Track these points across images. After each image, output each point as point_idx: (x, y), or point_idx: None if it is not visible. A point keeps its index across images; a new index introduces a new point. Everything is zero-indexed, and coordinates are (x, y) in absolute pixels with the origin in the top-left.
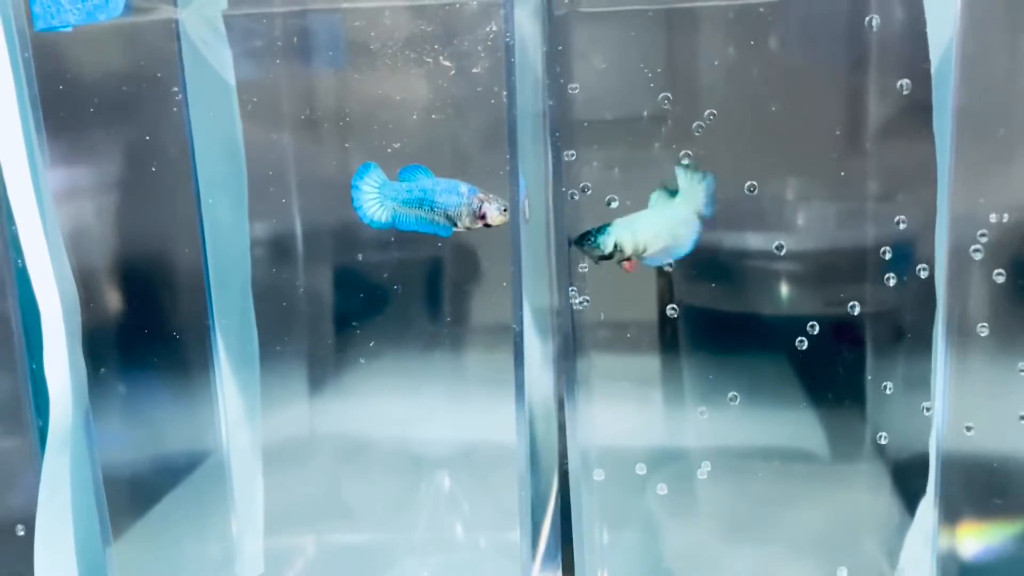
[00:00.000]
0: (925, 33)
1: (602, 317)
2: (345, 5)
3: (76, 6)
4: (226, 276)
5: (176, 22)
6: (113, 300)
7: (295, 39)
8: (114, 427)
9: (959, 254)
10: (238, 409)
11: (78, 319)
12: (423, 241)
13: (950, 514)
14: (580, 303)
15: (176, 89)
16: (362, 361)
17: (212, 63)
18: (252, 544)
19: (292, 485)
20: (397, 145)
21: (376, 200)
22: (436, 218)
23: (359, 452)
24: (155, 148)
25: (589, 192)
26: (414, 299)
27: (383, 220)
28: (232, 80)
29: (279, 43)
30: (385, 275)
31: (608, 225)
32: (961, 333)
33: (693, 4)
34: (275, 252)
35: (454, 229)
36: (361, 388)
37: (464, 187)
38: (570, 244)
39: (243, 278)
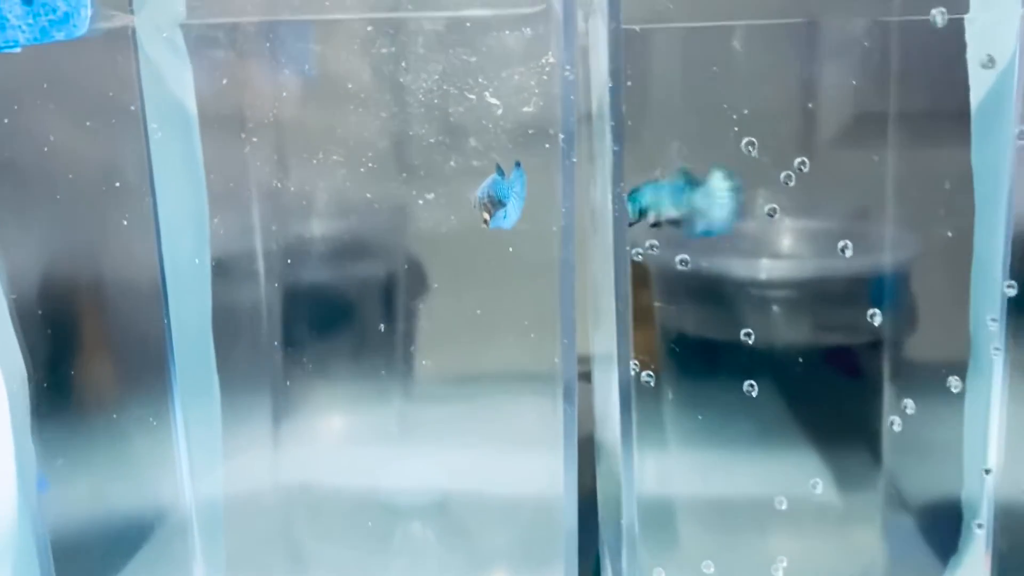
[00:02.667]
0: None
1: (670, 396)
2: (359, 15)
3: (25, 22)
4: (187, 322)
5: (132, 31)
6: (63, 348)
7: (297, 64)
8: (66, 493)
9: None
10: (200, 462)
11: (26, 398)
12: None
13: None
14: (645, 377)
15: (134, 108)
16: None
17: (170, 80)
18: None
19: (255, 541)
20: (430, 196)
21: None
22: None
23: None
24: (111, 175)
25: (656, 251)
26: (398, 338)
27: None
28: (192, 99)
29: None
30: (361, 313)
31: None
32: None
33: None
34: (238, 291)
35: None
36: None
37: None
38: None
39: (203, 322)
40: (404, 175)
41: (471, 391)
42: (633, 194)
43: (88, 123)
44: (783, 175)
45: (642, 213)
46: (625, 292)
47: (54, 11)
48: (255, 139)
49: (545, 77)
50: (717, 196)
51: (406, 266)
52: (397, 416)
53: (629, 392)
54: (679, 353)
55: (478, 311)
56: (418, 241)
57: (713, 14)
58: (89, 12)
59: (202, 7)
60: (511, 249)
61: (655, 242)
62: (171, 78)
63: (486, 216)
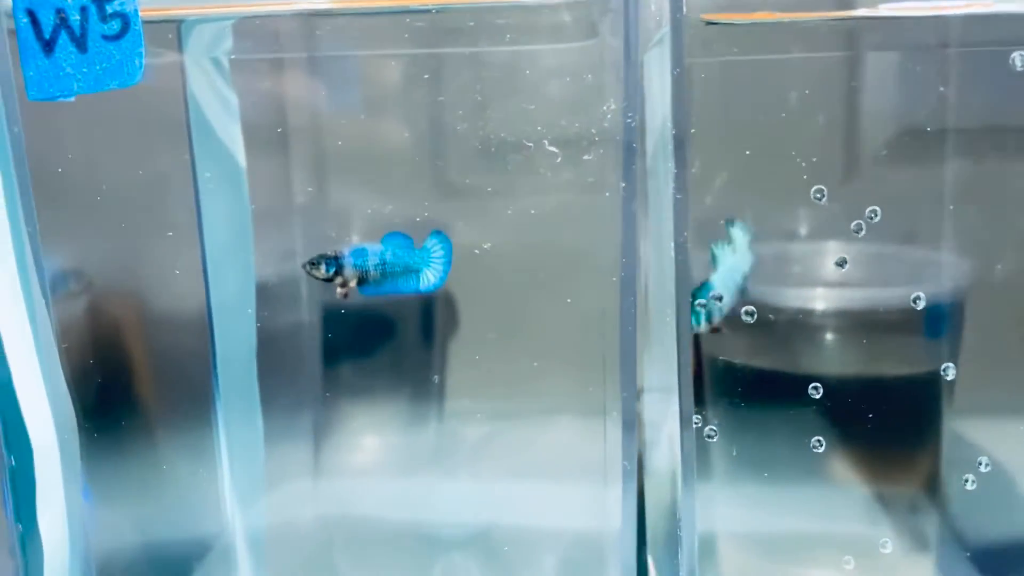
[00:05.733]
0: None
1: (734, 453)
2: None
3: (81, 71)
4: (231, 353)
5: (182, 68)
6: (112, 392)
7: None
8: (113, 528)
9: None
10: (243, 493)
11: (76, 447)
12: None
13: None
14: (709, 432)
15: (182, 144)
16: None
17: (218, 115)
18: None
19: (296, 573)
20: (487, 246)
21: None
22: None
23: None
24: (160, 212)
25: (722, 302)
26: (441, 367)
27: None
28: (239, 133)
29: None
30: (404, 341)
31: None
32: None
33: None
34: (279, 319)
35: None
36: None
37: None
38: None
39: (248, 353)
40: (459, 221)
41: (515, 421)
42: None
43: (137, 160)
44: (853, 224)
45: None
46: (687, 347)
47: (109, 60)
48: (299, 165)
49: (606, 124)
50: (742, 249)
51: (445, 295)
52: (439, 445)
53: (692, 449)
54: (742, 407)
55: (525, 341)
56: (468, 279)
57: (779, 47)
58: (143, 60)
59: (248, 42)
60: (569, 300)
61: (720, 294)
62: (219, 113)
63: (342, 283)
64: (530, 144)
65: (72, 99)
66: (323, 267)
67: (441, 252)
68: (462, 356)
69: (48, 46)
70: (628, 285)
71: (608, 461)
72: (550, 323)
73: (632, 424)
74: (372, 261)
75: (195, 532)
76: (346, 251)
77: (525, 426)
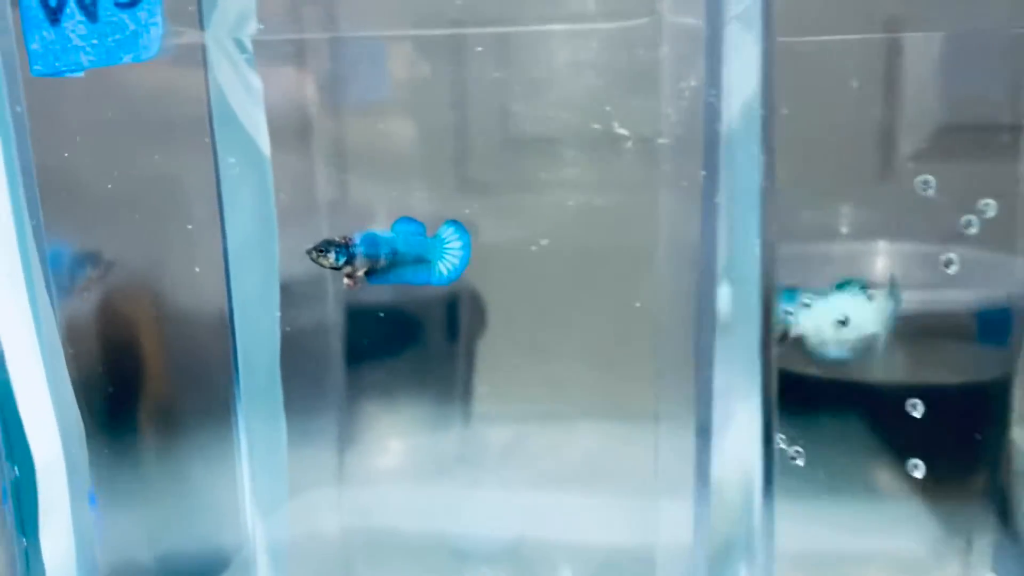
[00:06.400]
0: None
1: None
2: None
3: (90, 42)
4: (254, 356)
5: (203, 49)
6: (125, 395)
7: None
8: (128, 539)
9: None
10: (264, 500)
11: (85, 467)
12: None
13: None
14: (793, 453)
15: (203, 130)
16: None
17: (241, 98)
18: None
19: None
20: (545, 242)
21: None
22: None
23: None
24: (179, 201)
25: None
26: (470, 371)
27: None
28: (263, 118)
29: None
30: (434, 344)
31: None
32: None
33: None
34: (303, 318)
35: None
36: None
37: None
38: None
39: (271, 356)
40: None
41: (550, 426)
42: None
43: (156, 147)
44: (963, 220)
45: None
46: (770, 360)
47: (122, 30)
48: (324, 157)
49: (684, 103)
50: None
51: (472, 293)
52: (468, 452)
53: (772, 471)
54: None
55: (568, 342)
56: (524, 276)
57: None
58: (160, 32)
59: (273, 21)
60: (638, 304)
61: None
62: (242, 96)
63: (350, 272)
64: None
65: (81, 74)
66: (332, 255)
67: (458, 244)
68: (496, 357)
69: (54, 14)
70: (707, 285)
71: (661, 470)
72: (595, 323)
73: (707, 432)
74: (383, 250)
75: (214, 544)
76: (356, 237)
77: (560, 432)
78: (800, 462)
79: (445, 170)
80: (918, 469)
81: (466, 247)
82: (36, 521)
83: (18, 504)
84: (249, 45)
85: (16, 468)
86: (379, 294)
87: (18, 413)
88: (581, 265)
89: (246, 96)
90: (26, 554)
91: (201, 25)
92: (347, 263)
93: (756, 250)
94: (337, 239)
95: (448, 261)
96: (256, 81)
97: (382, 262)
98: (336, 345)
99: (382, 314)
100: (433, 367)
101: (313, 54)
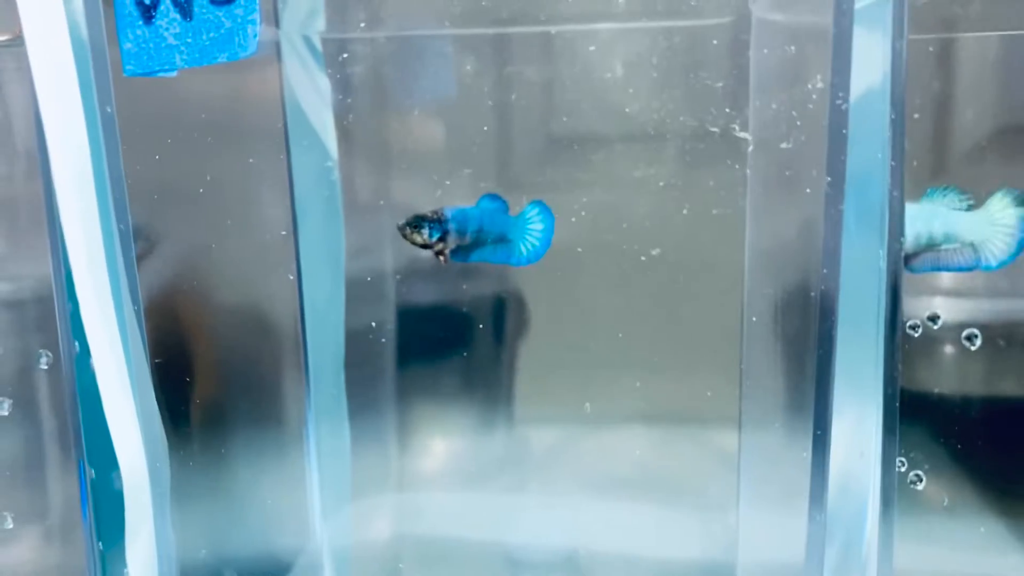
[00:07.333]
0: None
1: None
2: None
3: (185, 41)
4: (322, 360)
5: (277, 46)
6: (204, 386)
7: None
8: (198, 544)
9: None
10: (329, 505)
11: (167, 476)
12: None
13: None
14: (913, 478)
15: (278, 129)
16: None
17: (311, 97)
18: None
19: None
20: (655, 252)
21: None
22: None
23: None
24: (254, 206)
25: (938, 324)
26: (531, 376)
27: None
28: (331, 120)
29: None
30: (494, 349)
31: None
32: None
33: None
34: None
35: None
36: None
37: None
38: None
39: (337, 360)
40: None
41: (617, 433)
42: None
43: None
44: None
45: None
46: (895, 378)
47: (217, 28)
48: (389, 157)
49: (810, 106)
50: (1001, 224)
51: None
52: (523, 457)
53: (892, 495)
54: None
55: (644, 348)
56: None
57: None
58: (257, 29)
59: (342, 19)
60: (754, 319)
61: (937, 313)
62: (312, 97)
63: (441, 249)
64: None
65: (174, 74)
66: (426, 231)
67: (541, 226)
68: (560, 360)
69: (148, 12)
70: (829, 302)
71: (743, 479)
72: (674, 328)
73: (825, 448)
74: (472, 226)
75: (280, 547)
76: (447, 212)
77: (627, 439)
78: (920, 487)
79: (491, 170)
80: None
81: (548, 229)
82: (113, 527)
83: (96, 508)
84: (318, 43)
85: (94, 471)
86: (428, 296)
87: (104, 419)
88: (653, 268)
89: (316, 97)
90: (103, 558)
91: (276, 22)
92: (440, 240)
93: (880, 263)
94: (429, 214)
95: (529, 242)
96: (324, 82)
97: (468, 239)
98: (390, 348)
99: (425, 312)
100: (484, 370)
101: (364, 54)
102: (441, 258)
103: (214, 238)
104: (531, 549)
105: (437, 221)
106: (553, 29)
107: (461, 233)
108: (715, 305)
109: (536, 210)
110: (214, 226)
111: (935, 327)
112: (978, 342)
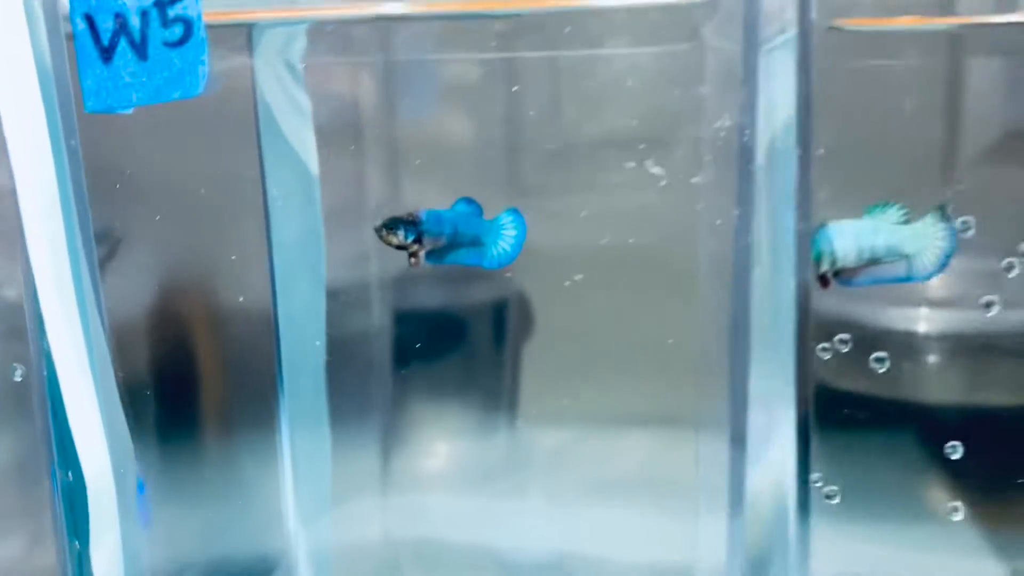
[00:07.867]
0: None
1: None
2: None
3: (140, 80)
4: (298, 363)
5: (251, 72)
6: (173, 389)
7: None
8: (174, 547)
9: None
10: (308, 509)
11: (133, 484)
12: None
13: None
14: (829, 492)
15: (250, 150)
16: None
17: (289, 118)
18: None
19: None
20: (578, 277)
21: None
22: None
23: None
24: (228, 227)
25: (847, 348)
26: (518, 378)
27: None
28: (311, 138)
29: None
30: (481, 349)
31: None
32: None
33: None
34: (348, 324)
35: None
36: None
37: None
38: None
39: (316, 363)
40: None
41: (593, 434)
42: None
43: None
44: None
45: (820, 258)
46: (806, 398)
47: (169, 68)
48: (371, 165)
49: (719, 144)
50: (932, 237)
51: (519, 299)
52: (512, 461)
53: (808, 509)
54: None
55: (614, 350)
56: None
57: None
58: (207, 70)
59: (321, 46)
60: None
61: (845, 336)
62: (291, 117)
63: (416, 251)
64: (631, 164)
65: (130, 111)
66: (401, 233)
67: (513, 232)
68: (537, 364)
69: (107, 53)
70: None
71: (702, 483)
72: (633, 328)
73: (741, 443)
74: (447, 228)
75: (257, 551)
76: (422, 215)
77: (602, 440)
78: (836, 500)
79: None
80: (958, 508)
81: (520, 236)
82: (88, 527)
83: (71, 509)
84: (299, 66)
85: (70, 474)
86: (422, 300)
87: (70, 432)
88: (608, 270)
89: (295, 115)
90: (79, 558)
91: (251, 51)
92: (415, 241)
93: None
94: (404, 216)
95: (501, 246)
96: (305, 100)
97: (443, 241)
98: (381, 351)
99: (414, 315)
100: (478, 374)
101: (366, 68)
102: (413, 260)
103: (187, 246)
104: (518, 553)
105: (412, 223)
106: (510, 55)
107: (436, 235)
108: (672, 310)
109: (511, 217)
110: (187, 235)
111: (844, 350)
112: (887, 365)
